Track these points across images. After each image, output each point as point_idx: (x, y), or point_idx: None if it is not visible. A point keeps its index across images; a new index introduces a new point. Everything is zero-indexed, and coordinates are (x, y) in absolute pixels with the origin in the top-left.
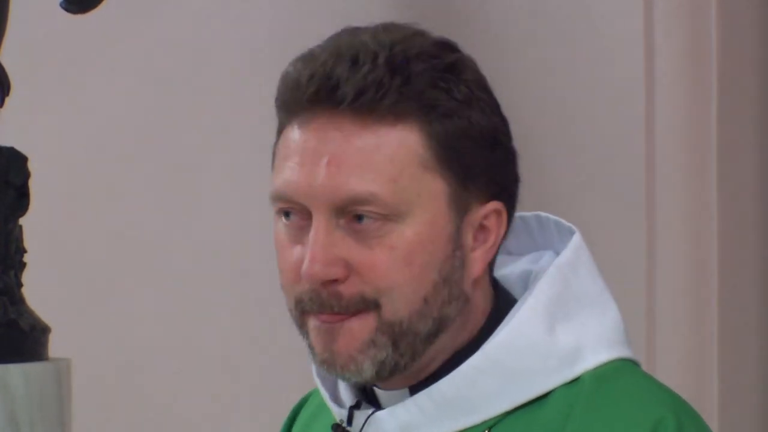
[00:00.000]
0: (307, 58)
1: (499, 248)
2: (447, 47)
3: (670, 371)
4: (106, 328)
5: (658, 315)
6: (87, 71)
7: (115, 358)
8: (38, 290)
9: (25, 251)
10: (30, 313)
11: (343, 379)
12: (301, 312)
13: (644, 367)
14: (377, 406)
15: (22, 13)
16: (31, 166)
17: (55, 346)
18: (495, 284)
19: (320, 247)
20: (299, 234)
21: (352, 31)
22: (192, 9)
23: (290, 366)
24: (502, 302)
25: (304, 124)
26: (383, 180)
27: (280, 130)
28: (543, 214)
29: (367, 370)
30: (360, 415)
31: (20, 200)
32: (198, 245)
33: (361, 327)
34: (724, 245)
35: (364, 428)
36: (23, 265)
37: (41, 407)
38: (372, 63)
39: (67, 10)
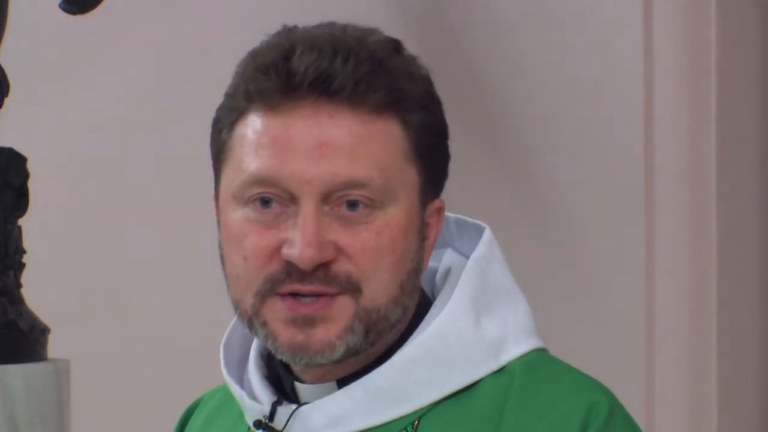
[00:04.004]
0: (279, 49)
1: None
2: (400, 45)
3: (668, 371)
4: (105, 328)
5: (657, 316)
6: (87, 71)
7: (114, 358)
8: (37, 291)
9: (24, 252)
10: (29, 314)
11: (303, 362)
12: (264, 295)
13: (642, 368)
14: (297, 402)
15: (22, 13)
16: (31, 166)
17: (54, 347)
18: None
19: (314, 230)
20: (275, 221)
21: (313, 27)
22: (192, 9)
23: None
24: (422, 299)
25: (283, 112)
26: (377, 167)
27: (235, 120)
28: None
29: (338, 355)
30: (283, 411)
31: (19, 200)
32: (199, 245)
33: (340, 313)
34: (723, 245)
35: (288, 424)
36: (22, 265)
37: (40, 407)
38: (356, 57)
39: (67, 10)
